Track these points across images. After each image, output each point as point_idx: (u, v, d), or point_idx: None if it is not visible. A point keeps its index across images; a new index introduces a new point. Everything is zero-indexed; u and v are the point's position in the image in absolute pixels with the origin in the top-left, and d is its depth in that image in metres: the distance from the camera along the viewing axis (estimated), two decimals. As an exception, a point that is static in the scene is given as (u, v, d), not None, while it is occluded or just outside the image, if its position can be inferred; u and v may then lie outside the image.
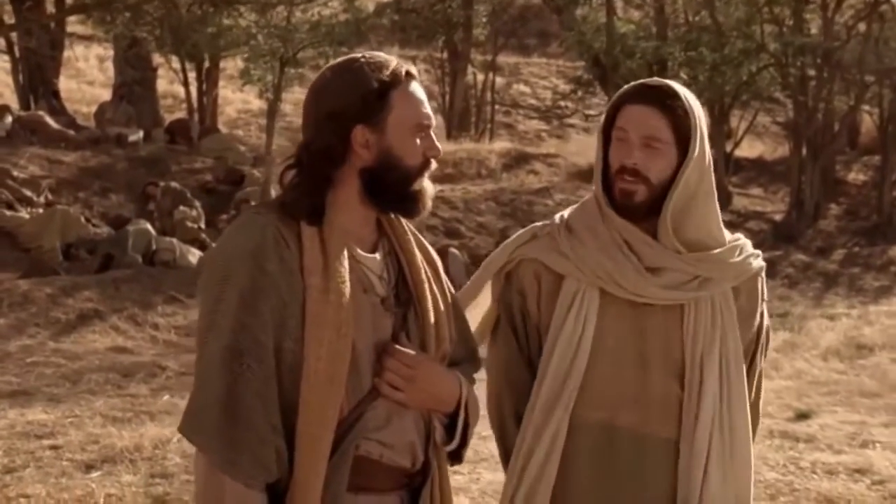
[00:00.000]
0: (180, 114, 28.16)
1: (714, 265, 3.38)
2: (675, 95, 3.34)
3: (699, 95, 26.68)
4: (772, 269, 20.44)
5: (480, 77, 32.40)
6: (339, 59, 3.13)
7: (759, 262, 3.49)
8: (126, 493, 7.71)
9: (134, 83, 25.72)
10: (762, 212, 25.97)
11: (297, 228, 2.98)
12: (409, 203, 3.08)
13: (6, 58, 27.57)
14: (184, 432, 2.95)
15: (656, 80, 3.40)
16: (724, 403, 3.40)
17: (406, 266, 3.17)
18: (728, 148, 28.35)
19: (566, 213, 3.54)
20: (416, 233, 3.25)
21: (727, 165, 26.97)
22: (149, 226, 18.33)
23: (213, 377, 2.89)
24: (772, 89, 28.32)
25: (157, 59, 27.67)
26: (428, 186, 3.10)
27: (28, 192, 19.41)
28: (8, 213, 18.45)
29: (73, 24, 33.13)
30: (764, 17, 25.78)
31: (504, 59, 38.79)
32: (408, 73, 3.07)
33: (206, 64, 27.06)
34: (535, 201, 23.66)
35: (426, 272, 3.19)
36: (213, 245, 3.04)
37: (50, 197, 19.74)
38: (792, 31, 25.80)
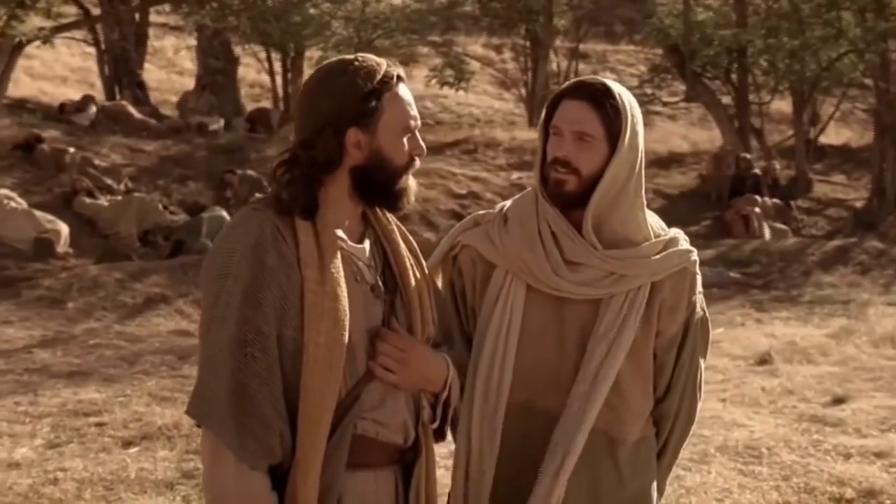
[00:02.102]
0: (267, 103, 28.56)
1: (628, 262, 3.52)
2: (608, 93, 3.49)
3: (779, 83, 26.69)
4: (844, 256, 20.35)
5: (564, 65, 32.37)
6: (332, 61, 3.30)
7: (687, 259, 3.61)
8: (158, 468, 8.02)
9: (216, 73, 26.18)
10: (843, 199, 25.75)
11: (292, 223, 3.16)
12: (394, 199, 3.27)
13: (93, 49, 28.22)
14: (194, 416, 3.14)
15: (592, 77, 3.57)
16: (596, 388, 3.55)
17: (391, 255, 3.37)
18: (812, 135, 28.15)
19: (508, 202, 3.71)
20: (399, 223, 3.45)
21: (808, 152, 26.80)
22: (224, 213, 18.70)
23: (221, 366, 3.07)
24: (853, 76, 27.99)
25: (239, 49, 28.05)
26: (411, 183, 3.30)
27: (108, 181, 19.90)
28: (88, 200, 18.94)
29: (167, 15, 33.74)
30: (843, 4, 25.50)
31: (591, 46, 38.74)
32: (398, 77, 3.24)
33: (291, 53, 27.42)
34: (612, 188, 23.58)
35: (409, 260, 3.39)
36: (215, 240, 3.22)
37: (130, 185, 20.20)
38: (875, 17, 25.52)
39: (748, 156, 24.88)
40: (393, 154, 3.23)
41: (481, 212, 3.77)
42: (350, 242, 3.27)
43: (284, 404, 3.10)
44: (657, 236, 3.60)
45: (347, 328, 3.15)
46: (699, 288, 3.69)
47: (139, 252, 17.73)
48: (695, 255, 3.65)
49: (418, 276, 3.39)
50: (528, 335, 3.56)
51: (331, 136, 3.17)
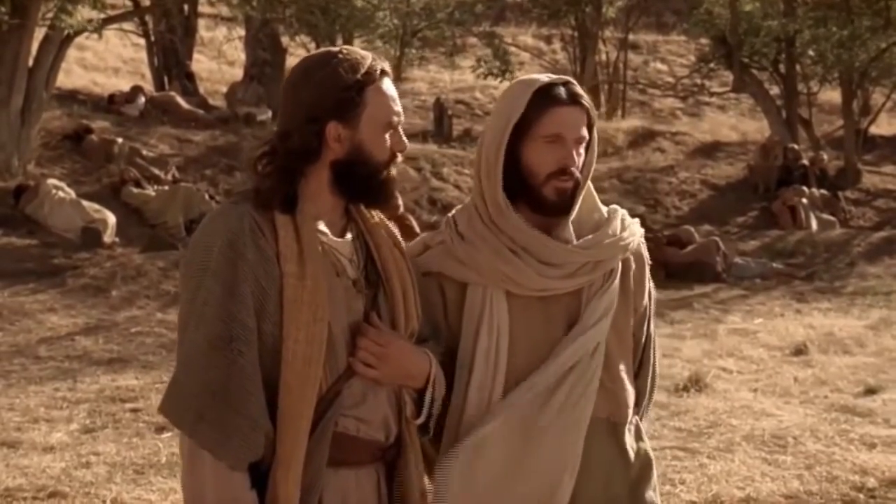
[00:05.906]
0: (317, 93, 28.55)
1: (601, 248, 3.50)
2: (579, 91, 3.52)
3: (827, 73, 26.52)
4: (890, 247, 20.27)
5: (613, 55, 32.31)
6: (317, 53, 3.27)
7: (639, 229, 3.62)
8: (189, 452, 8.13)
9: (264, 64, 26.32)
10: (892, 190, 25.57)
11: (271, 217, 3.12)
12: (375, 194, 3.24)
13: (143, 40, 28.46)
14: (167, 415, 3.11)
15: (564, 78, 3.53)
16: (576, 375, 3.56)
17: (374, 248, 3.31)
18: (862, 125, 27.97)
19: (453, 220, 3.59)
20: (382, 216, 3.38)
21: (858, 143, 26.63)
22: (269, 203, 18.83)
23: (200, 364, 3.04)
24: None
25: (288, 40, 28.16)
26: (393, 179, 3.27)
27: (156, 171, 20.11)
28: (135, 190, 19.14)
29: (220, 6, 33.90)
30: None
31: (642, 37, 38.64)
32: (382, 71, 3.20)
33: (340, 44, 27.51)
34: (659, 179, 23.62)
35: (394, 254, 3.33)
36: (193, 234, 3.26)
37: (177, 175, 20.38)
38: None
39: (796, 146, 24.77)
40: (374, 149, 3.19)
41: (425, 234, 3.66)
42: (331, 236, 3.23)
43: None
44: (607, 212, 3.60)
45: (327, 323, 3.12)
46: (647, 260, 3.72)
47: (185, 242, 17.90)
48: (640, 226, 3.66)
49: (402, 270, 3.34)
50: (518, 342, 3.50)
51: (309, 127, 3.13)
